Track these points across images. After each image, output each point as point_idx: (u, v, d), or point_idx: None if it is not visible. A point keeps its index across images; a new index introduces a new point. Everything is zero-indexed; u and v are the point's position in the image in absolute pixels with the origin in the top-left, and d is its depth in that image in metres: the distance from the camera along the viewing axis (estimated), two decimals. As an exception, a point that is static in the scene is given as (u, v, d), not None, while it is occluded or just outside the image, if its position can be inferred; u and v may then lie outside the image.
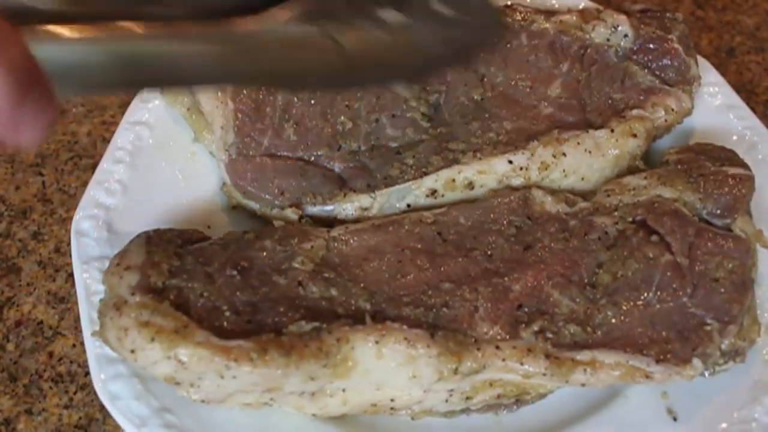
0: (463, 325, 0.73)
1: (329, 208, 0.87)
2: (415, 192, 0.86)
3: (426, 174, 0.86)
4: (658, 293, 0.75)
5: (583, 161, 0.87)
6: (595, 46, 0.95)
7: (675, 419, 0.76)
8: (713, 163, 0.84)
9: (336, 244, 0.79)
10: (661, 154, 0.90)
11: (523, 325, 0.73)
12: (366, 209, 0.86)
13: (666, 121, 0.91)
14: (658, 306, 0.74)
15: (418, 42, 0.67)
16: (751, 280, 0.77)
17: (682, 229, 0.78)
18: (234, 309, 0.71)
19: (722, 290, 0.75)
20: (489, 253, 0.78)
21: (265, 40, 0.60)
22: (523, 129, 0.91)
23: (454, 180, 0.86)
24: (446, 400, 0.73)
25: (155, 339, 0.66)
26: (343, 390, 0.72)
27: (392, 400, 0.73)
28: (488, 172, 0.86)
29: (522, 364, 0.71)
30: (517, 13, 0.97)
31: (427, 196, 0.86)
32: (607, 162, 0.88)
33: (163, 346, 0.66)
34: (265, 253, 0.76)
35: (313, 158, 0.89)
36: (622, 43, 0.95)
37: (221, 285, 0.72)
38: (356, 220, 0.86)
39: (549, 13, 0.98)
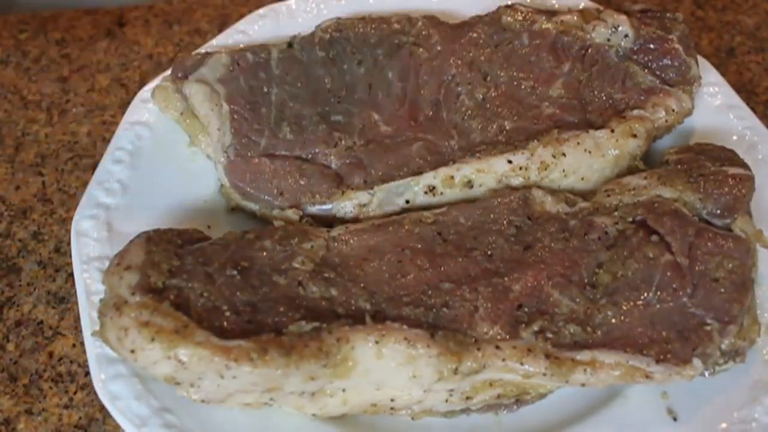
0: (463, 325, 0.73)
1: (328, 206, 0.87)
2: (413, 188, 0.86)
3: (422, 171, 0.87)
4: (658, 293, 0.75)
5: (583, 161, 0.87)
6: (596, 47, 0.95)
7: (675, 419, 0.76)
8: (713, 163, 0.84)
9: (336, 244, 0.79)
10: (661, 154, 0.90)
11: (523, 325, 0.73)
12: (364, 205, 0.86)
13: (666, 121, 0.91)
14: (658, 306, 0.74)
15: None
16: (751, 280, 0.77)
17: (682, 229, 0.78)
18: (234, 309, 0.71)
19: (722, 290, 0.75)
20: (489, 253, 0.78)
21: None
22: (523, 128, 0.91)
23: (452, 177, 0.86)
24: (446, 400, 0.73)
25: (155, 339, 0.66)
26: (343, 390, 0.72)
27: (392, 400, 0.73)
28: (487, 171, 0.86)
29: (522, 364, 0.71)
30: (519, 14, 0.98)
31: (426, 192, 0.86)
32: (607, 162, 0.88)
33: (163, 346, 0.65)
34: (265, 253, 0.76)
35: (310, 156, 0.90)
36: (622, 43, 0.95)
37: (221, 285, 0.72)
38: (356, 219, 0.86)
39: (550, 14, 0.98)
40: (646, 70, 0.94)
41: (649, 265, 0.76)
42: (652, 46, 0.95)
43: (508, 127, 0.91)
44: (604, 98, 0.93)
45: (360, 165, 0.88)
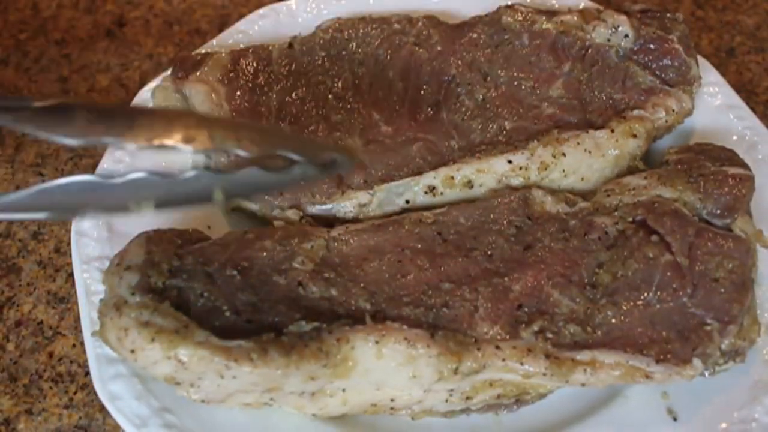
0: (463, 325, 0.73)
1: (328, 207, 0.87)
2: (413, 188, 0.86)
3: (422, 171, 0.87)
4: (658, 293, 0.75)
5: (583, 161, 0.87)
6: (596, 47, 0.95)
7: (675, 419, 0.76)
8: (713, 163, 0.84)
9: (336, 244, 0.78)
10: (661, 154, 0.90)
11: (523, 325, 0.73)
12: (364, 206, 0.86)
13: (666, 121, 0.91)
14: (658, 306, 0.74)
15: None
16: (751, 280, 0.77)
17: (682, 229, 0.78)
18: (234, 309, 0.71)
19: (722, 290, 0.75)
20: (489, 253, 0.78)
21: None
22: (523, 129, 0.91)
23: (452, 177, 0.86)
24: (446, 400, 0.73)
25: (155, 339, 0.66)
26: (343, 390, 0.72)
27: (392, 400, 0.73)
28: (487, 171, 0.86)
29: (522, 364, 0.71)
30: (519, 14, 0.98)
31: (426, 192, 0.86)
32: (607, 162, 0.88)
33: (163, 346, 0.65)
34: (265, 253, 0.76)
35: (311, 156, 0.89)
36: (622, 44, 0.95)
37: (221, 285, 0.72)
38: (356, 219, 0.86)
39: (550, 14, 0.98)
40: (646, 71, 0.94)
41: (649, 265, 0.76)
42: (652, 46, 0.95)
43: (508, 127, 0.91)
44: (604, 98, 0.93)
45: (360, 165, 0.88)
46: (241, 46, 1.01)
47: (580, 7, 1.02)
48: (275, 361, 0.66)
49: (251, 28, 1.05)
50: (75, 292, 0.82)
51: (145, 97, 0.96)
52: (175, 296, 0.70)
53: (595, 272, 0.77)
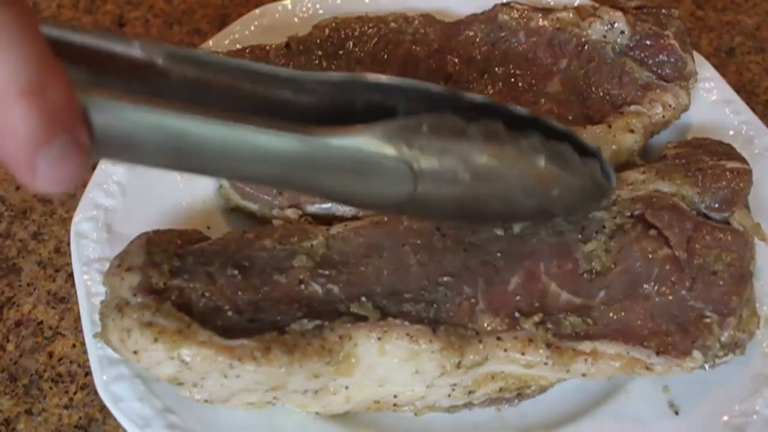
0: (464, 319, 0.73)
1: (327, 206, 0.87)
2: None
3: None
4: (657, 287, 0.75)
5: (581, 157, 0.87)
6: (592, 43, 0.95)
7: (677, 413, 0.76)
8: (711, 157, 0.84)
9: (335, 242, 0.79)
10: (659, 149, 0.90)
11: (523, 317, 0.73)
12: (363, 203, 0.86)
13: (663, 116, 0.91)
14: (657, 299, 0.75)
15: (502, 191, 0.65)
16: (750, 272, 0.77)
17: (680, 223, 0.78)
18: (236, 308, 0.71)
19: (721, 283, 0.75)
20: (487, 247, 0.79)
21: (338, 155, 0.58)
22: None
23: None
24: (449, 395, 0.74)
25: (158, 339, 0.66)
26: (346, 387, 0.72)
27: (395, 396, 0.73)
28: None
29: (524, 354, 0.71)
30: (515, 11, 0.98)
31: None
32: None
33: (166, 346, 0.65)
34: (265, 252, 0.76)
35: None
36: (618, 40, 0.96)
37: (222, 285, 0.72)
38: (355, 216, 0.86)
39: (546, 11, 0.98)
40: (642, 67, 0.94)
41: (648, 259, 0.77)
42: (648, 42, 0.95)
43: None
44: (601, 94, 0.93)
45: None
46: (238, 46, 1.01)
47: (576, 4, 1.03)
48: (279, 359, 0.67)
49: (247, 28, 1.05)
50: (75, 292, 0.82)
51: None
52: (177, 297, 0.70)
53: (593, 266, 0.77)
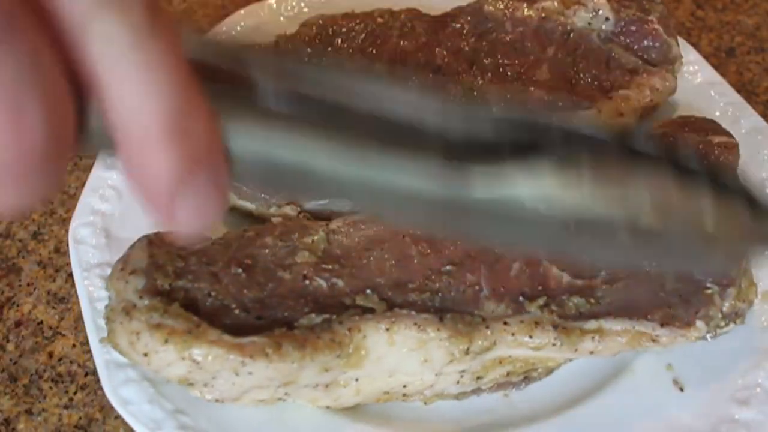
0: (470, 306, 0.74)
1: (324, 201, 0.87)
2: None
3: None
4: (657, 264, 0.77)
5: (573, 143, 0.88)
6: (578, 31, 0.97)
7: (682, 389, 0.78)
8: (698, 133, 0.85)
9: (336, 237, 0.79)
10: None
11: (528, 301, 0.74)
12: (362, 199, 0.87)
13: (651, 100, 0.93)
14: (657, 275, 0.76)
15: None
16: (746, 245, 0.78)
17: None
18: (243, 306, 0.71)
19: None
20: (489, 235, 0.79)
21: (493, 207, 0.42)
22: (511, 114, 0.92)
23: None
24: (457, 382, 0.74)
25: (169, 340, 0.65)
26: (357, 379, 0.72)
27: (404, 386, 0.73)
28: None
29: (531, 337, 0.72)
30: (500, 2, 0.99)
31: None
32: (597, 142, 0.89)
33: (177, 347, 0.65)
34: (267, 250, 0.76)
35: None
36: (603, 27, 0.97)
37: (228, 284, 0.72)
38: (353, 211, 0.86)
39: (531, 1, 0.99)
40: (628, 52, 0.95)
41: (647, 238, 0.78)
42: (633, 28, 0.96)
43: (496, 113, 0.92)
44: (589, 80, 0.94)
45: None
46: (226, 47, 1.00)
47: (559, -8, 1.03)
48: (290, 354, 0.67)
49: (234, 29, 1.05)
50: (75, 292, 0.82)
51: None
52: (183, 297, 0.70)
53: (592, 247, 0.78)
